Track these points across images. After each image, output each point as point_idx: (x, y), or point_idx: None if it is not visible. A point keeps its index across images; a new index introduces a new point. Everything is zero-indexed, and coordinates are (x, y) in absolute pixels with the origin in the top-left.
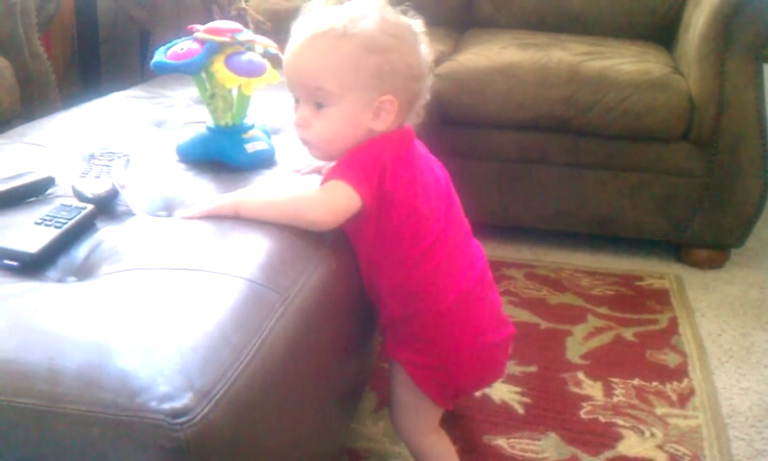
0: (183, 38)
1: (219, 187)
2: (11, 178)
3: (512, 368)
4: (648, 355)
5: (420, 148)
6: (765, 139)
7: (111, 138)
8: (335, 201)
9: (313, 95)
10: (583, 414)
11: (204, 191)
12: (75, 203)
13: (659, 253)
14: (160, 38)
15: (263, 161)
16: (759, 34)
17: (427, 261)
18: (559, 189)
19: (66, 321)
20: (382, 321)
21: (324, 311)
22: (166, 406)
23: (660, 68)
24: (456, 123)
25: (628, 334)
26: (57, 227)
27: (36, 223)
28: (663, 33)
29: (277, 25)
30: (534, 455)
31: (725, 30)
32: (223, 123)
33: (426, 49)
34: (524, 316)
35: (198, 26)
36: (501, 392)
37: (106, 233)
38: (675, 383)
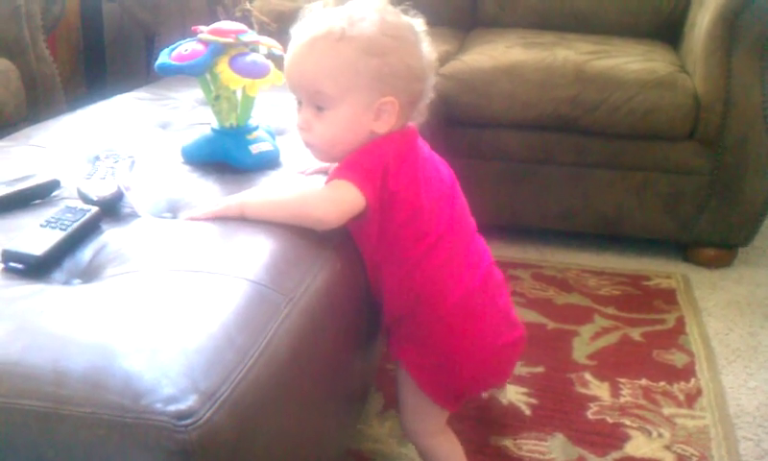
0: (188, 40)
1: (224, 189)
2: (16, 180)
3: (518, 368)
4: (655, 355)
5: (425, 147)
6: None
7: (116, 140)
8: (341, 198)
9: (313, 98)
10: (590, 414)
11: (208, 193)
12: (80, 205)
13: (665, 252)
14: (165, 40)
15: (268, 163)
16: (765, 31)
17: (429, 261)
18: (565, 189)
19: (72, 323)
20: (386, 321)
21: (328, 313)
22: (171, 408)
23: (666, 67)
24: (461, 123)
25: (635, 334)
26: (62, 229)
27: (42, 225)
28: (669, 31)
29: (282, 26)
30: (541, 456)
31: (730, 28)
32: (227, 124)
33: (428, 48)
34: (531, 316)
35: (202, 27)
36: (508, 393)
37: (111, 235)
38: (682, 383)
